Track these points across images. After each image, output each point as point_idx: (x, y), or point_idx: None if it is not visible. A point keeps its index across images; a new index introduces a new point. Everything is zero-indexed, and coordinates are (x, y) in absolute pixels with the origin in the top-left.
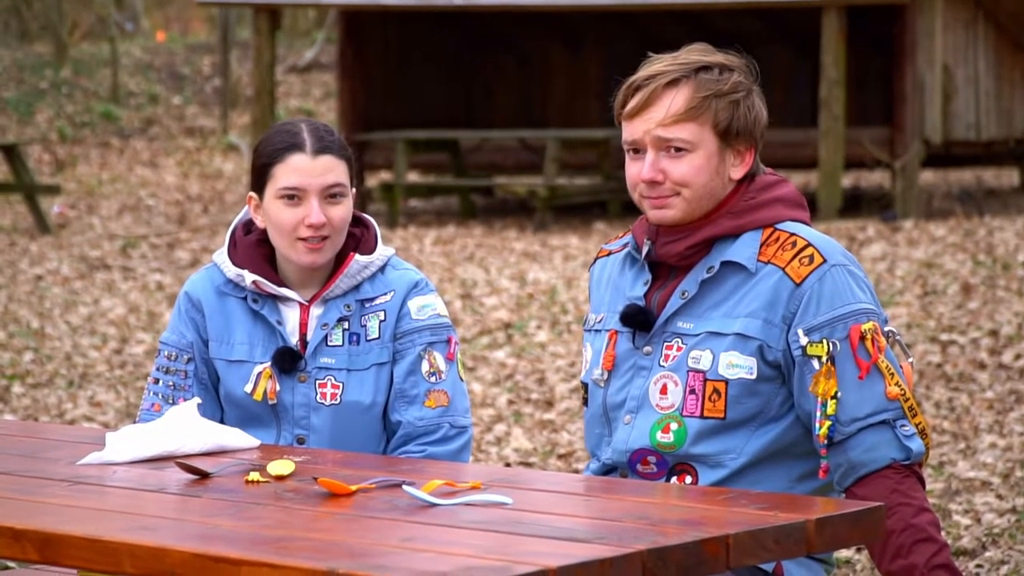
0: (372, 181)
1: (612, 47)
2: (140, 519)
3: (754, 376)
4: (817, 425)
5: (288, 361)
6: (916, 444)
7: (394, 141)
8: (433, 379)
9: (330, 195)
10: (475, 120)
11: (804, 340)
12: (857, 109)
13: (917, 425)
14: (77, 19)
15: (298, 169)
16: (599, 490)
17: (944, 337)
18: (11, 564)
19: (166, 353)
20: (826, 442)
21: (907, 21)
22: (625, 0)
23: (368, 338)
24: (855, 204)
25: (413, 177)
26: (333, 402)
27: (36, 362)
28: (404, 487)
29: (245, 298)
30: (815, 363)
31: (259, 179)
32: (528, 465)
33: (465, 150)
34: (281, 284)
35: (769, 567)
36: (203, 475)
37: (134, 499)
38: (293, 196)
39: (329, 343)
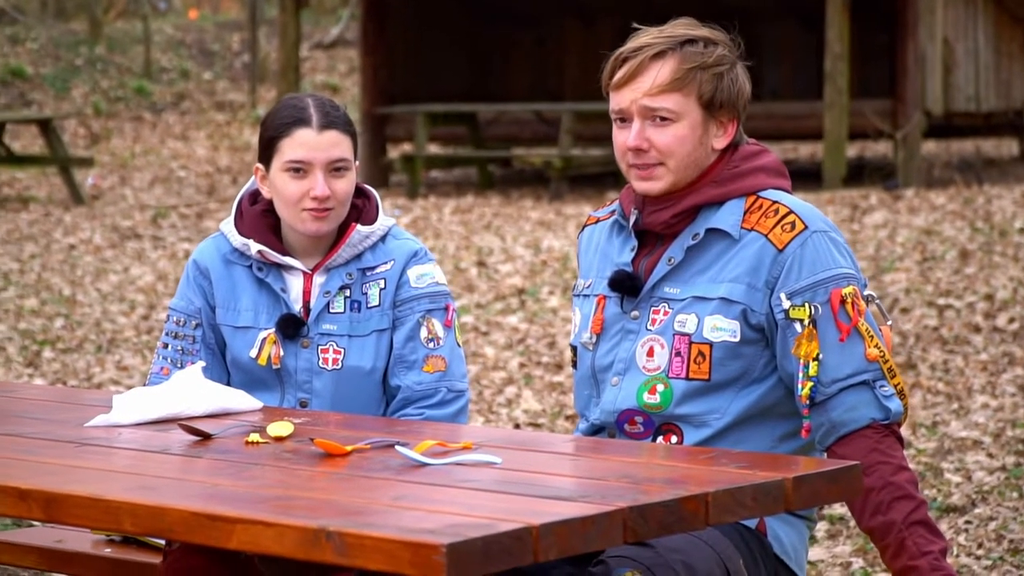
0: (394, 153)
1: (625, 22)
2: (142, 479)
3: (737, 339)
4: (799, 386)
5: (291, 327)
6: (895, 404)
7: (415, 114)
8: (431, 345)
9: (335, 168)
10: (492, 94)
11: (786, 304)
12: (861, 82)
13: (896, 386)
14: None
15: (304, 143)
16: (586, 450)
17: (941, 301)
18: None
19: (175, 319)
20: (808, 403)
21: None
22: None
23: (369, 305)
24: (859, 174)
25: (433, 149)
26: (335, 367)
27: (66, 328)
28: (397, 447)
29: (251, 266)
30: (797, 326)
31: (266, 151)
32: (536, 426)
33: (483, 123)
34: (285, 253)
35: (752, 523)
36: (205, 436)
37: (138, 460)
38: (299, 169)
39: (331, 310)
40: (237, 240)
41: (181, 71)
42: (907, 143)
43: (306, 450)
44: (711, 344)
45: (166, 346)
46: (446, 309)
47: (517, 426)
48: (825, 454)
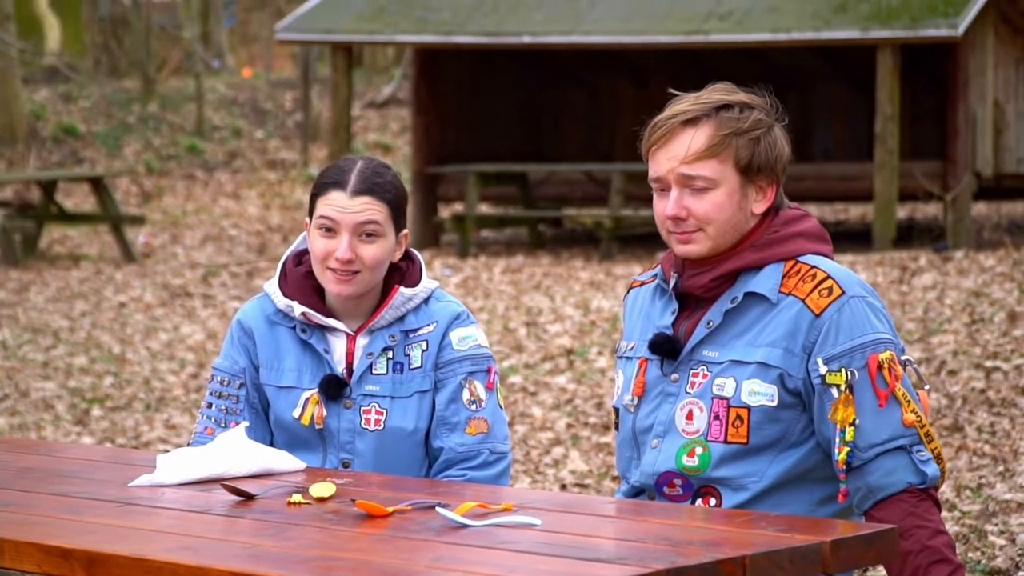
0: (445, 212)
1: (677, 83)
2: (185, 539)
3: (775, 403)
4: (836, 451)
5: (334, 388)
6: (932, 469)
7: (466, 174)
8: (473, 407)
9: (364, 233)
10: (544, 154)
11: (823, 369)
12: (911, 143)
13: (933, 450)
14: (165, 56)
15: (334, 205)
16: (627, 512)
17: (988, 364)
18: None
19: (219, 379)
20: (845, 467)
21: (959, 58)
22: (689, 39)
23: (411, 367)
24: (908, 235)
25: (484, 208)
26: (377, 428)
27: (116, 386)
28: (438, 509)
29: (294, 327)
30: (834, 391)
31: (310, 206)
32: (583, 487)
33: (534, 182)
34: (328, 315)
35: None
36: (248, 497)
37: (181, 520)
38: (329, 228)
39: (374, 371)
40: (281, 301)
41: (233, 129)
42: (957, 205)
43: (348, 511)
44: (749, 408)
45: (210, 406)
46: (488, 371)
47: (563, 487)
48: (863, 518)
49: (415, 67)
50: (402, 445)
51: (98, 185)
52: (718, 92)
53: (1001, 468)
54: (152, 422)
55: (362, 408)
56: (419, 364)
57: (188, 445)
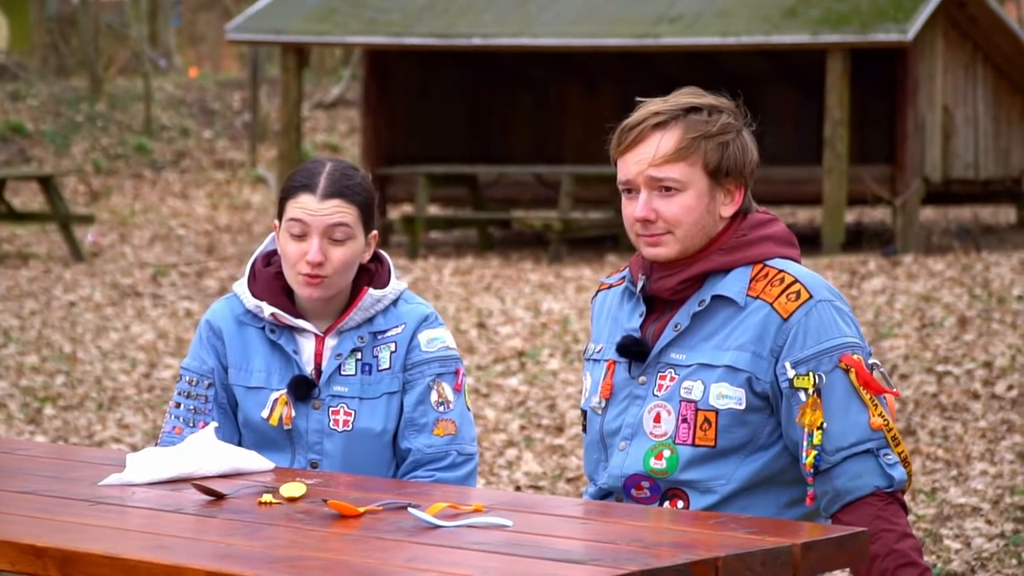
0: (394, 214)
1: (627, 87)
2: (158, 538)
3: (743, 407)
4: (804, 455)
5: (303, 389)
6: (899, 472)
7: (415, 175)
8: (441, 408)
9: (334, 236)
10: (493, 156)
11: (791, 373)
12: (860, 148)
13: (900, 454)
14: (112, 55)
15: (304, 208)
16: (596, 514)
17: (940, 368)
18: None
19: (187, 378)
20: (812, 471)
21: (909, 64)
22: (639, 42)
23: (379, 368)
24: (857, 239)
25: (433, 210)
26: (345, 428)
27: (67, 385)
28: (410, 509)
29: (263, 328)
30: (802, 395)
31: (279, 209)
32: (538, 489)
33: (483, 184)
34: (298, 315)
35: None
36: (218, 496)
37: (152, 519)
38: (299, 232)
39: (342, 372)
40: (250, 302)
41: (181, 129)
42: (906, 209)
43: (319, 511)
44: (717, 411)
45: (178, 405)
46: (456, 373)
47: (518, 488)
48: (830, 522)
49: (365, 68)
50: (370, 446)
51: (47, 184)
52: (686, 95)
53: (955, 472)
54: (105, 421)
55: (331, 409)
56: (387, 365)
57: (156, 445)
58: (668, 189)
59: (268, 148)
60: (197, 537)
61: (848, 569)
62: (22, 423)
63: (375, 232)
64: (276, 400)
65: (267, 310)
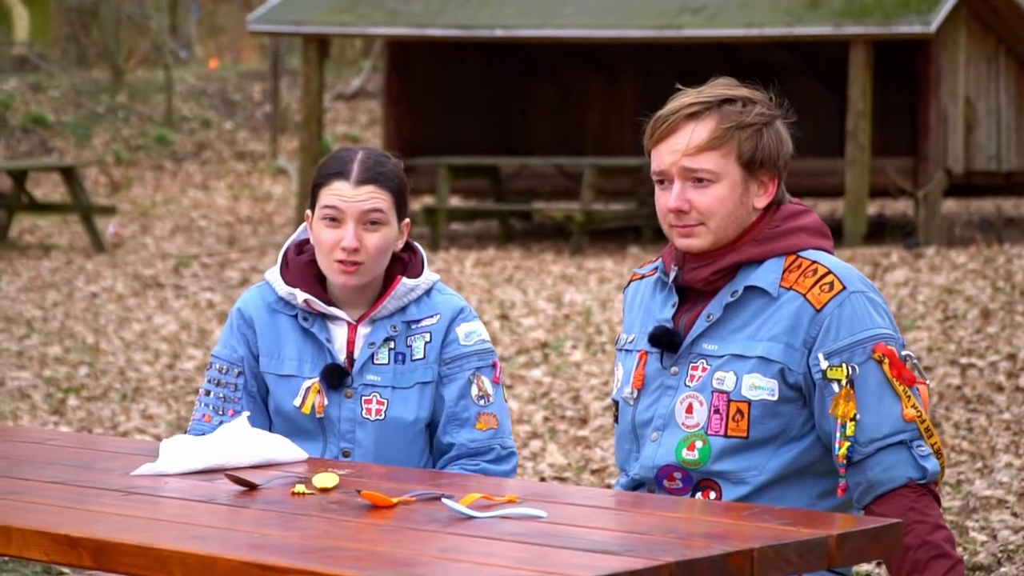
0: (415, 205)
1: (648, 78)
2: (191, 528)
3: (775, 398)
4: (836, 446)
5: (336, 377)
6: (932, 464)
7: (437, 167)
8: (482, 402)
9: (368, 222)
10: (515, 147)
11: (824, 364)
12: (882, 140)
13: (933, 445)
14: (133, 47)
15: (339, 194)
16: (629, 505)
17: (964, 360)
18: (66, 571)
19: (217, 366)
20: (845, 462)
21: (931, 55)
22: (661, 33)
23: (413, 358)
24: (879, 231)
25: (455, 202)
26: (378, 417)
27: (91, 376)
28: (443, 500)
29: (296, 316)
30: (835, 386)
31: (312, 198)
32: (562, 480)
33: (505, 176)
34: (331, 303)
35: None
36: (252, 487)
37: (186, 509)
38: (333, 218)
39: (375, 361)
40: (283, 289)
41: (202, 120)
42: (928, 201)
43: (352, 501)
44: (749, 402)
45: (208, 393)
46: (493, 366)
47: (543, 479)
48: (863, 513)
49: (386, 59)
50: (402, 435)
51: (69, 175)
52: (721, 86)
53: (980, 464)
54: (129, 412)
55: (363, 398)
56: (422, 355)
57: (186, 433)
58: (701, 180)
59: (289, 139)
60: (231, 527)
61: (880, 562)
62: (46, 414)
63: (408, 220)
64: (309, 388)
65: (300, 296)
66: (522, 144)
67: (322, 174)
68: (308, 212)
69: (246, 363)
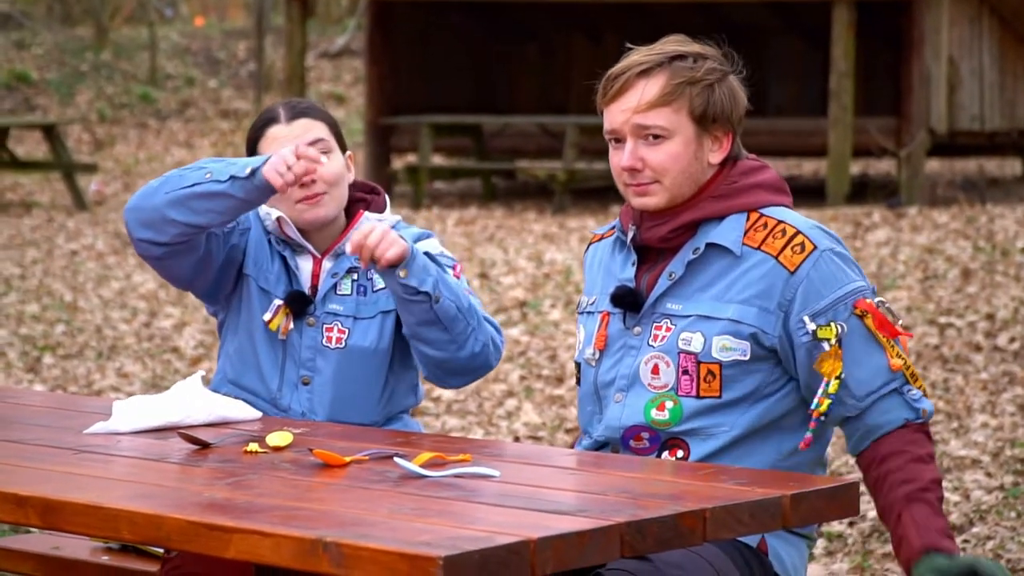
0: (398, 163)
1: (632, 37)
2: (141, 487)
3: (747, 358)
4: (817, 401)
5: (299, 304)
6: (926, 404)
7: (419, 125)
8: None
9: None
10: (498, 106)
11: (812, 326)
12: (865, 100)
13: (920, 389)
14: (118, 4)
15: (276, 137)
16: (586, 465)
17: (942, 320)
18: (32, 530)
19: None
20: (821, 418)
21: (914, 15)
22: None
23: (375, 289)
24: (862, 191)
25: (437, 160)
26: (338, 346)
27: (67, 334)
28: (396, 459)
29: (270, 240)
30: (825, 345)
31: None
32: (537, 439)
33: (488, 135)
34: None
35: (753, 542)
36: (204, 445)
37: (137, 468)
38: None
39: (338, 292)
40: (263, 211)
41: (186, 78)
42: (911, 161)
43: (305, 460)
44: (720, 363)
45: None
46: (454, 267)
47: (517, 439)
48: (857, 459)
49: (369, 17)
50: (362, 365)
51: (50, 133)
52: (672, 43)
53: (955, 424)
54: (104, 370)
55: (324, 326)
56: (383, 285)
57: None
58: (655, 137)
59: (273, 98)
60: (181, 486)
61: (851, 521)
62: (21, 371)
63: (350, 152)
64: (279, 308)
65: (274, 214)
66: (505, 103)
67: (254, 129)
68: None
69: (237, 229)
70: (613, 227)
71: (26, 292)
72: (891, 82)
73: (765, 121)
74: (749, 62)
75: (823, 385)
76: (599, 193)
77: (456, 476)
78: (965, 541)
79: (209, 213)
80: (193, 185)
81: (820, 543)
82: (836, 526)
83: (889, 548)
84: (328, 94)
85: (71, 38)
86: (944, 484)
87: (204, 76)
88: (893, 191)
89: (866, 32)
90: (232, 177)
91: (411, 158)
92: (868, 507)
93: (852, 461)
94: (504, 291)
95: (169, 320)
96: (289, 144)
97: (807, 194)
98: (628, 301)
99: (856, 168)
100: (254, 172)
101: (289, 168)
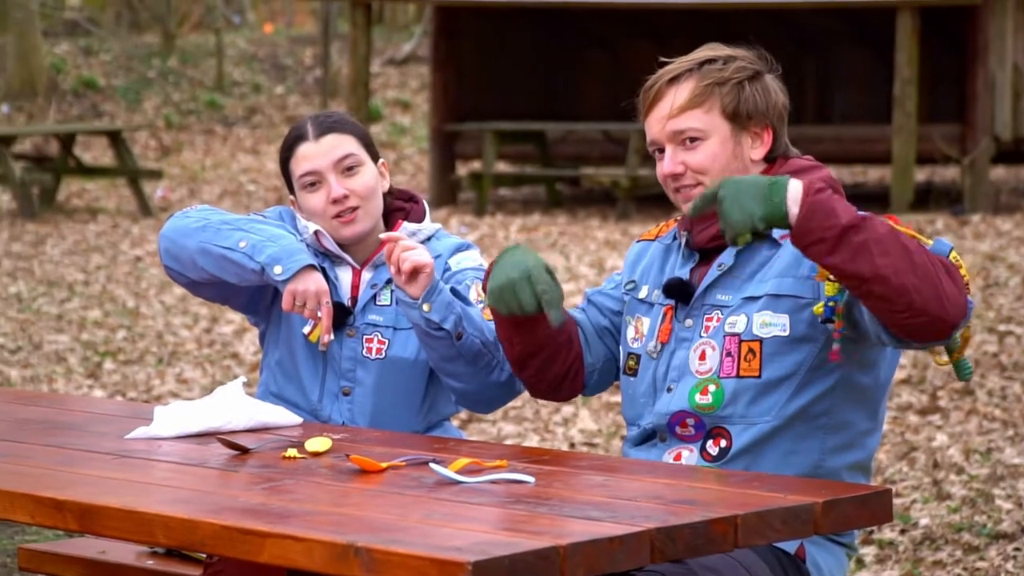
0: (462, 170)
1: (698, 44)
2: (178, 492)
3: (787, 333)
4: (828, 308)
5: (339, 315)
6: (945, 246)
7: (484, 132)
8: (481, 305)
9: (345, 168)
10: (562, 112)
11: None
12: (929, 107)
13: (963, 277)
14: (186, 11)
15: (306, 156)
16: (617, 470)
17: (1002, 328)
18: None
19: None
20: (821, 318)
21: (979, 22)
22: None
23: None
24: (926, 198)
25: (502, 167)
26: (378, 356)
27: (128, 340)
28: (431, 465)
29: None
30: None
31: (286, 180)
32: (592, 446)
33: (552, 141)
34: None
35: (791, 548)
36: (243, 451)
37: (176, 473)
38: (313, 183)
39: (377, 303)
40: (301, 222)
41: (253, 85)
42: (975, 168)
43: (342, 466)
44: (761, 340)
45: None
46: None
47: (572, 445)
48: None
49: (435, 24)
50: (402, 375)
51: (116, 139)
52: (704, 50)
53: (1011, 432)
54: (164, 376)
55: (364, 337)
56: None
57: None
58: (692, 140)
59: (339, 104)
60: (218, 491)
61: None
62: (81, 377)
63: (383, 160)
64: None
65: (311, 227)
66: (569, 109)
67: (284, 148)
68: (291, 198)
69: None
70: (671, 234)
71: (89, 298)
72: (955, 89)
73: (831, 128)
74: (814, 69)
75: (821, 288)
76: (662, 200)
77: (491, 482)
78: (1016, 549)
79: (236, 276)
80: (227, 249)
81: (870, 550)
82: (888, 533)
83: (940, 556)
84: (394, 100)
85: (138, 45)
86: (996, 492)
87: (271, 83)
88: (957, 198)
89: (931, 39)
90: (263, 267)
91: (475, 165)
92: (921, 514)
93: (905, 469)
94: (565, 298)
95: (230, 326)
96: (319, 162)
97: (872, 201)
98: (679, 292)
99: (920, 175)
100: (281, 274)
101: (303, 307)
